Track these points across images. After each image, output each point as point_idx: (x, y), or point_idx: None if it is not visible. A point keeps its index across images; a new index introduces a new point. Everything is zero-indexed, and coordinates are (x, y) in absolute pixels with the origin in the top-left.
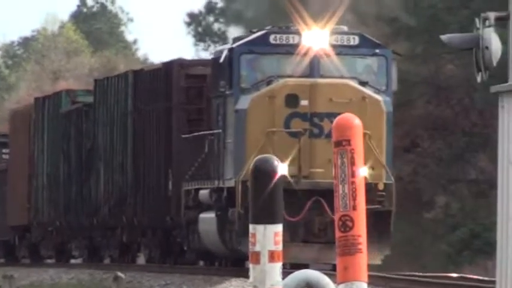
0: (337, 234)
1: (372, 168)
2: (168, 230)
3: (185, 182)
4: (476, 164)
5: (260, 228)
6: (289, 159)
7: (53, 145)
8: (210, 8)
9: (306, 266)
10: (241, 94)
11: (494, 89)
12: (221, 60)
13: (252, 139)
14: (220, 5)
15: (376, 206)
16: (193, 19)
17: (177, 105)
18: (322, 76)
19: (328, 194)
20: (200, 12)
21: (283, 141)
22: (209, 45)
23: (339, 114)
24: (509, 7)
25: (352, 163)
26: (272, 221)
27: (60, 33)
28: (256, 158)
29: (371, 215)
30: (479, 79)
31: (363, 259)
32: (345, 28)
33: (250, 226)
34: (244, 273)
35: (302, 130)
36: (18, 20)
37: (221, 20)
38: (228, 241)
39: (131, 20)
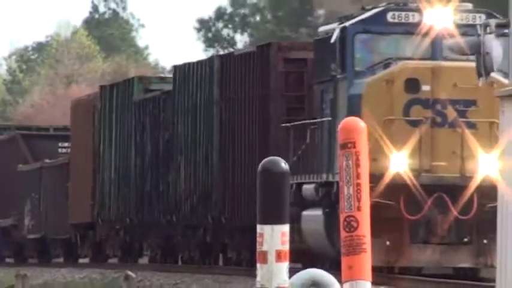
0: (342, 234)
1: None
2: None
3: None
4: None
5: (268, 228)
6: (408, 150)
7: (123, 136)
8: (219, 14)
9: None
10: (355, 78)
11: (497, 93)
12: (332, 40)
13: (367, 128)
14: (229, 10)
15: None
16: (203, 25)
17: (275, 92)
18: (445, 59)
19: (452, 190)
20: (210, 18)
21: (402, 131)
22: (218, 51)
23: (465, 101)
24: (509, 14)
25: (357, 165)
26: (279, 221)
27: (73, 39)
28: (264, 159)
29: None
30: (480, 83)
31: (367, 258)
32: (470, 6)
33: (258, 226)
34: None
35: (423, 118)
36: (33, 26)
37: (230, 25)
38: (336, 241)
39: (142, 26)
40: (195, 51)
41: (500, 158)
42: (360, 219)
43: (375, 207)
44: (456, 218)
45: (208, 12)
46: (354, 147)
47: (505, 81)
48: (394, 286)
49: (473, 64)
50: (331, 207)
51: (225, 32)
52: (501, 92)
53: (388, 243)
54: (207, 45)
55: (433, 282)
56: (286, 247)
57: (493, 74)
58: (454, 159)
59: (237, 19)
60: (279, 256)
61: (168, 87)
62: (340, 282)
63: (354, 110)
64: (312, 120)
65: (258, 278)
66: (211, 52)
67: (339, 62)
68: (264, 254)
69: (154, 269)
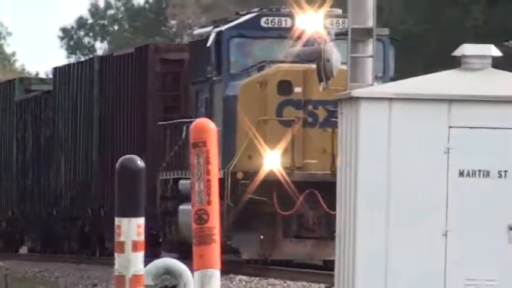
0: (194, 226)
1: None
2: None
3: (161, 171)
4: None
5: (125, 221)
6: (281, 149)
7: (5, 134)
8: (81, 24)
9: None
10: (230, 80)
11: (336, 96)
12: (208, 44)
13: (242, 128)
14: (90, 21)
15: None
16: (66, 34)
17: (153, 91)
18: None
19: (323, 186)
20: (72, 28)
21: (275, 130)
22: (80, 58)
23: (335, 101)
24: (347, 24)
25: (208, 162)
26: (135, 214)
27: None
28: (122, 157)
29: None
30: (321, 88)
31: (217, 248)
32: (340, 11)
33: (116, 219)
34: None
35: (295, 119)
36: None
37: (90, 34)
38: None
39: (10, 33)
40: (58, 58)
41: (338, 155)
42: (210, 212)
43: (250, 203)
44: (327, 213)
45: (70, 22)
46: (205, 146)
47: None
48: (265, 277)
49: (342, 67)
50: None
51: (86, 40)
52: (340, 96)
53: (262, 237)
54: (69, 52)
55: (299, 273)
56: (142, 238)
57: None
58: (325, 157)
59: (97, 28)
60: (135, 246)
61: (48, 87)
62: (192, 270)
63: (229, 110)
64: (187, 119)
65: (116, 266)
66: (73, 59)
67: (214, 65)
68: (122, 244)
69: (34, 260)
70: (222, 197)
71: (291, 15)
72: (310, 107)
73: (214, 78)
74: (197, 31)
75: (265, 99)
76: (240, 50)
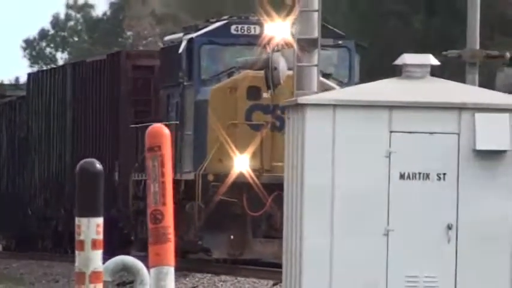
0: (150, 226)
1: None
2: (111, 221)
3: (133, 172)
4: None
5: (84, 220)
6: (250, 152)
7: None
8: (43, 35)
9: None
10: (201, 85)
11: (283, 103)
12: (180, 50)
13: (213, 131)
14: (51, 32)
15: None
16: (29, 44)
17: (125, 96)
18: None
19: None
20: (34, 39)
21: (244, 134)
22: (42, 67)
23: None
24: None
25: (162, 165)
26: (94, 214)
27: None
28: (82, 160)
29: None
30: (269, 95)
31: (171, 247)
32: None
33: (76, 219)
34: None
35: (264, 123)
36: None
37: (52, 45)
38: (183, 234)
39: None
40: (22, 67)
41: (285, 158)
42: (165, 213)
43: (220, 205)
44: None
45: (33, 33)
46: (160, 150)
47: (336, 87)
48: (217, 274)
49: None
50: (178, 203)
51: (47, 50)
52: (287, 102)
53: (232, 237)
54: (31, 62)
55: (249, 270)
56: (100, 237)
57: (327, 81)
58: None
59: (58, 39)
60: (94, 244)
61: (22, 93)
62: (148, 267)
63: (200, 115)
64: (158, 123)
65: (77, 264)
66: (36, 68)
67: (186, 71)
68: (82, 243)
69: (7, 257)
70: (193, 198)
71: (259, 23)
72: (278, 112)
73: (185, 84)
74: (168, 38)
75: (234, 104)
76: (211, 57)
